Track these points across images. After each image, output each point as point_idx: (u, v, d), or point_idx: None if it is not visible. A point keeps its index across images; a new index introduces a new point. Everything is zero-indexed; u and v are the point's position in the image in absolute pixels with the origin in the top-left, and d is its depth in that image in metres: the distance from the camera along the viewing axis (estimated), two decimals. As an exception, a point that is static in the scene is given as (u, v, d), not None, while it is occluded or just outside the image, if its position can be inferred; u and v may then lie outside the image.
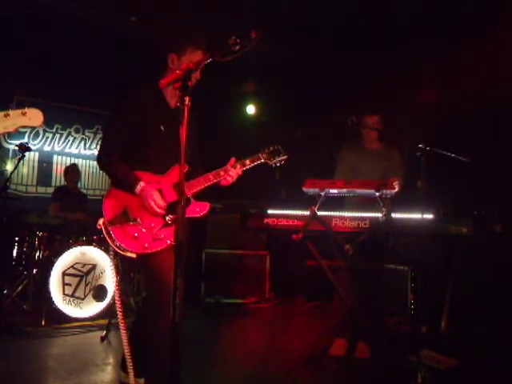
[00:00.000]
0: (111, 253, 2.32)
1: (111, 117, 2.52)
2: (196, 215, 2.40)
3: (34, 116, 1.67)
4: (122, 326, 2.27)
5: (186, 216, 2.32)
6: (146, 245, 2.24)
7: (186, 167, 2.37)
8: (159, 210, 2.24)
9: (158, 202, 2.24)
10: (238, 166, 2.51)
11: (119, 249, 2.24)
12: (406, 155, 3.89)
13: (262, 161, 2.62)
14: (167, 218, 2.29)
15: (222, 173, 2.46)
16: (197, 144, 2.59)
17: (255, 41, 1.83)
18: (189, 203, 2.37)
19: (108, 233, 2.24)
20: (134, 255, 2.25)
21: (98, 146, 2.42)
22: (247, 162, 2.57)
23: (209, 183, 2.43)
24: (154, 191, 2.25)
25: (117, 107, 2.48)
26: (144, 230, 2.26)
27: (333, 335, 3.56)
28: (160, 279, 2.18)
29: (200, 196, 2.45)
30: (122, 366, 2.44)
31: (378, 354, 3.37)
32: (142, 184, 2.26)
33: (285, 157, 2.69)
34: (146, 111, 2.35)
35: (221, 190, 2.56)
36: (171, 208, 2.30)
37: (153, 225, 2.28)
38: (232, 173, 2.47)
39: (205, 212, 2.42)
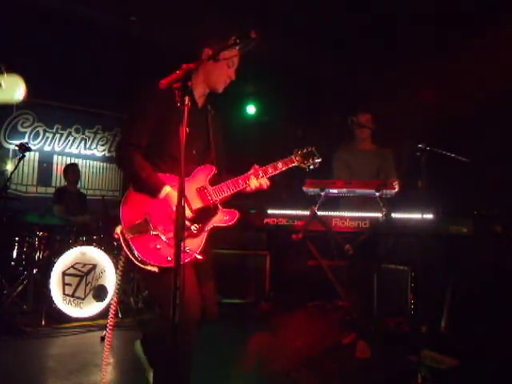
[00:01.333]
0: (122, 259, 2.13)
1: (131, 114, 2.23)
2: (224, 224, 2.17)
3: (11, 87, 1.26)
4: (110, 325, 2.21)
5: (214, 225, 2.15)
6: (169, 258, 1.96)
7: (212, 169, 2.22)
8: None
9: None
10: (270, 170, 2.29)
11: (139, 261, 1.99)
12: (405, 155, 3.89)
13: (295, 164, 2.38)
14: (192, 227, 2.05)
15: (251, 177, 2.25)
16: (224, 146, 2.43)
17: (255, 41, 1.82)
18: (216, 210, 2.16)
19: (126, 243, 2.00)
20: (155, 269, 1.98)
21: (116, 145, 2.24)
22: (279, 164, 2.33)
23: (238, 189, 2.22)
24: None
25: (137, 104, 2.21)
26: (166, 240, 2.00)
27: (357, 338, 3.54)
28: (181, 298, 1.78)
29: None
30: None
31: (378, 353, 3.37)
32: (167, 188, 2.02)
33: (319, 160, 2.44)
34: (168, 108, 2.01)
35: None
36: (197, 216, 2.08)
37: None
38: (261, 180, 2.26)
39: (234, 221, 2.18)
